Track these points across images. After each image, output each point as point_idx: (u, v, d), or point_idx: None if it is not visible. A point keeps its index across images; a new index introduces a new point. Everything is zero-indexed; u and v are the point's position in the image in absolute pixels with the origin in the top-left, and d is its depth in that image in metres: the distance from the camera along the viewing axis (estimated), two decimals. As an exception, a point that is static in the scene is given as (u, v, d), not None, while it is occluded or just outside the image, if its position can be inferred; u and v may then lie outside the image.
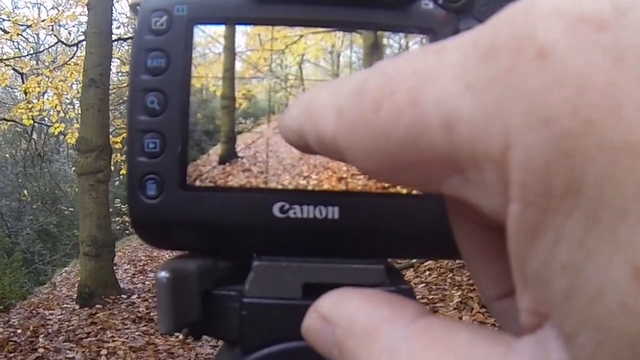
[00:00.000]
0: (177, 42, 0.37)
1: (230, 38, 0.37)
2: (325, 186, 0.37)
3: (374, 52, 0.38)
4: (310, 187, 0.37)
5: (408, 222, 0.37)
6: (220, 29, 0.37)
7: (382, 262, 0.37)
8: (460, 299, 4.65)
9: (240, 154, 0.37)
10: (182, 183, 0.37)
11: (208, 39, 0.37)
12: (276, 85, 0.38)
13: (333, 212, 0.36)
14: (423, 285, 5.34)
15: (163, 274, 0.34)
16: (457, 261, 5.26)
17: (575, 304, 0.15)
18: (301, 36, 0.38)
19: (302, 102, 0.23)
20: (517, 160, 0.16)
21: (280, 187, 0.37)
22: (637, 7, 0.15)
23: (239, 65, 0.38)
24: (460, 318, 4.25)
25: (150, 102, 0.37)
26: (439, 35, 0.37)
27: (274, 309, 0.36)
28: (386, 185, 0.37)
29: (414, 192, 0.37)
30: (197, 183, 0.37)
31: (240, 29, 0.37)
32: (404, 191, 0.37)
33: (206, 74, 0.38)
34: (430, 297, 4.96)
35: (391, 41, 0.38)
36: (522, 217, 0.16)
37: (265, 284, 0.36)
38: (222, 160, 0.37)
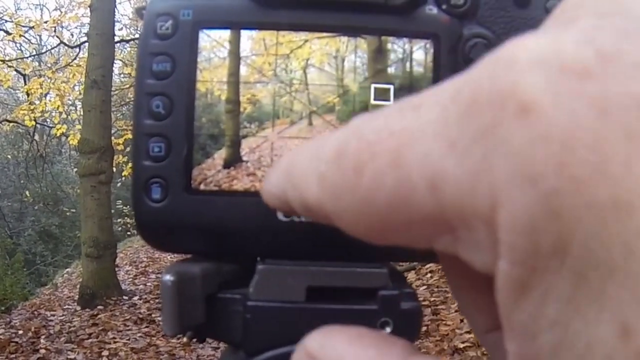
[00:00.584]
0: (183, 46, 0.37)
1: (235, 42, 0.37)
2: None
3: (378, 57, 0.38)
4: None
5: None
6: (226, 34, 0.37)
7: (386, 266, 0.37)
8: (461, 302, 4.63)
9: (244, 158, 0.38)
10: (187, 187, 0.37)
11: (213, 43, 0.37)
12: (281, 89, 0.38)
13: None
14: (425, 287, 5.33)
15: (168, 277, 0.34)
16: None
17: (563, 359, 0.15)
18: (306, 41, 0.38)
19: (281, 168, 0.23)
20: (504, 221, 0.16)
21: None
22: (622, 52, 0.15)
23: (243, 70, 0.38)
24: (462, 320, 4.24)
25: (155, 106, 0.37)
26: (442, 40, 0.37)
27: (278, 312, 0.36)
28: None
29: None
30: (202, 187, 0.37)
31: (245, 34, 0.37)
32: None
33: (211, 78, 0.38)
34: (432, 299, 4.96)
35: (395, 46, 0.38)
36: (510, 275, 0.16)
37: (270, 288, 0.36)
38: (227, 164, 0.37)
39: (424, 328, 4.11)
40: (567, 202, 0.15)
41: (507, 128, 0.15)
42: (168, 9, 0.37)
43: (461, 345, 3.87)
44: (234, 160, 0.38)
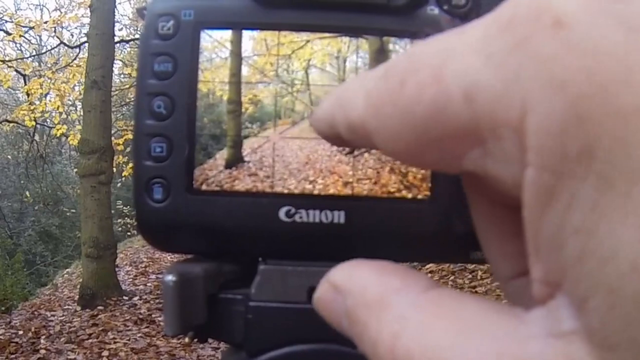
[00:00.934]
0: (184, 46, 0.37)
1: (237, 43, 0.37)
2: (331, 191, 0.37)
3: (380, 58, 0.38)
4: (316, 192, 0.37)
5: (413, 226, 0.37)
6: (227, 34, 0.37)
7: None
8: (461, 302, 4.63)
9: (246, 159, 0.38)
10: (189, 187, 0.37)
11: (215, 43, 0.37)
12: (282, 90, 0.38)
13: (339, 217, 0.37)
14: (425, 287, 5.32)
15: (169, 277, 0.34)
16: (459, 264, 5.26)
17: (587, 267, 0.16)
18: (307, 41, 0.38)
19: (333, 93, 0.24)
20: (533, 125, 0.16)
21: (286, 191, 0.37)
22: None
23: (245, 70, 0.38)
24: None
25: (157, 106, 0.37)
26: None
27: (279, 312, 0.36)
28: (391, 189, 0.37)
29: (419, 196, 0.37)
30: (204, 187, 0.37)
31: (247, 34, 0.38)
32: (410, 195, 0.37)
33: (213, 78, 0.38)
34: (432, 299, 4.94)
35: (397, 46, 0.38)
36: (537, 182, 0.16)
37: (271, 288, 0.36)
38: (229, 165, 0.38)
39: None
40: (594, 107, 0.15)
41: (541, 39, 0.16)
42: (169, 9, 0.37)
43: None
44: (235, 161, 0.38)
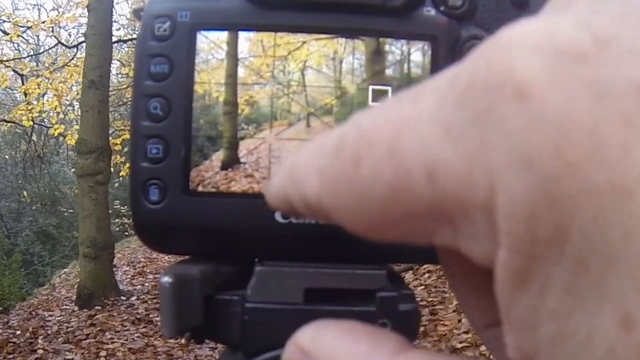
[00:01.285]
0: (180, 48, 0.37)
1: (233, 44, 0.37)
2: None
3: (376, 59, 0.38)
4: None
5: None
6: (223, 35, 0.37)
7: (384, 267, 0.37)
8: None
9: (242, 160, 0.38)
10: (185, 188, 0.37)
11: (211, 45, 0.37)
12: (278, 91, 0.38)
13: None
14: (422, 287, 5.34)
15: (166, 278, 0.34)
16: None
17: (563, 351, 0.15)
18: (304, 42, 0.38)
19: (284, 168, 0.23)
20: (502, 207, 0.15)
21: None
22: (619, 36, 0.15)
23: (241, 72, 0.38)
24: (460, 321, 4.24)
25: (153, 108, 0.37)
26: (440, 42, 0.37)
27: (276, 313, 0.36)
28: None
29: None
30: (200, 188, 0.37)
31: (243, 35, 0.37)
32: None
33: (209, 79, 0.38)
34: (430, 299, 4.96)
35: (393, 48, 0.38)
36: (509, 264, 0.16)
37: (268, 289, 0.36)
38: (225, 166, 0.37)
39: (422, 328, 4.11)
40: (564, 187, 0.14)
41: (503, 111, 0.15)
42: (166, 10, 0.37)
43: (459, 346, 3.87)
44: (231, 162, 0.38)
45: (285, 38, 0.37)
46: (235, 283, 0.37)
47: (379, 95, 0.37)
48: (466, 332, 4.00)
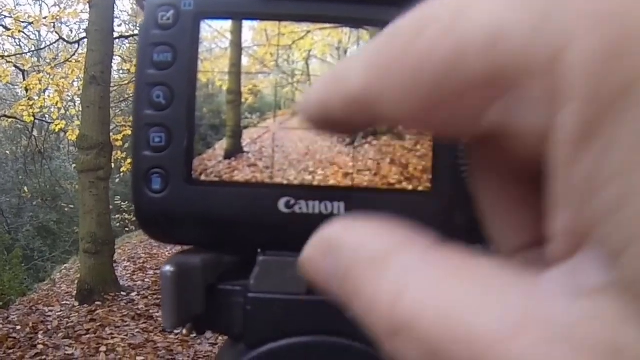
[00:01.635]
0: (184, 36, 0.37)
1: (237, 33, 0.37)
2: (331, 182, 0.37)
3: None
4: (316, 183, 0.37)
5: (413, 218, 0.37)
6: (227, 24, 0.37)
7: None
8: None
9: (246, 149, 0.37)
10: (188, 177, 0.37)
11: (215, 33, 0.37)
12: (282, 80, 0.38)
13: (339, 208, 0.36)
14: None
15: (168, 267, 0.34)
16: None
17: (625, 214, 0.14)
18: (308, 32, 0.38)
19: (325, 74, 0.22)
20: (571, 62, 0.15)
21: (285, 182, 0.37)
22: None
23: (245, 61, 0.38)
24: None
25: (156, 96, 0.36)
26: None
27: (279, 304, 0.36)
28: (392, 181, 0.36)
29: (420, 188, 0.36)
30: (203, 177, 0.37)
31: (247, 24, 0.37)
32: (410, 187, 0.36)
33: (212, 68, 0.37)
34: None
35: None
36: (573, 121, 0.15)
37: (271, 279, 0.36)
38: (228, 155, 0.37)
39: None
40: (638, 42, 0.14)
41: None
42: None
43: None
44: (235, 151, 0.37)
45: (289, 27, 0.37)
46: (237, 273, 0.37)
47: None
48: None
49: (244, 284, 0.36)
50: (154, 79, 0.37)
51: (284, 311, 0.36)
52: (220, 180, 0.37)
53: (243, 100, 0.38)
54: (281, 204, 0.36)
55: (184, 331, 0.46)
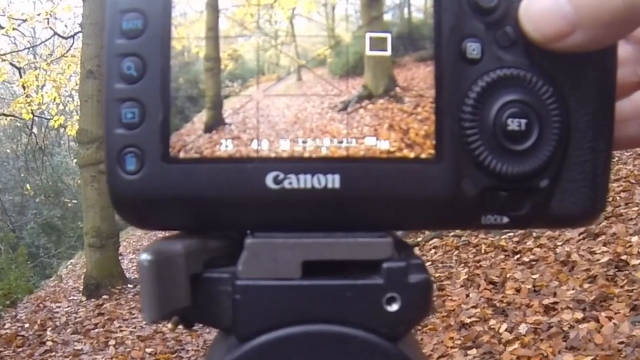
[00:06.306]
0: (154, 1, 0.34)
1: None
2: (324, 152, 0.34)
3: (373, 3, 0.35)
4: (307, 154, 0.34)
5: (416, 189, 0.34)
6: None
7: (389, 235, 0.34)
8: (467, 276, 4.65)
9: (227, 121, 0.34)
10: (165, 155, 0.34)
11: None
12: (265, 43, 0.35)
13: (333, 181, 0.34)
14: (429, 263, 5.34)
15: (144, 256, 0.30)
16: (463, 239, 5.26)
17: None
18: (291, -12, 0.34)
19: None
20: None
21: (273, 155, 0.34)
22: None
23: (223, 23, 0.35)
24: (467, 295, 4.24)
25: (126, 68, 0.34)
26: None
27: (270, 291, 0.33)
28: (391, 149, 0.33)
29: (423, 155, 0.34)
30: (182, 155, 0.34)
31: None
32: (412, 155, 0.34)
33: (187, 34, 0.35)
34: (437, 275, 4.96)
35: (392, -10, 0.34)
36: None
37: (260, 264, 0.34)
38: (208, 128, 0.34)
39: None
40: None
41: None
42: None
43: (468, 320, 3.86)
44: (215, 124, 0.34)
45: None
46: (225, 259, 0.35)
47: (377, 44, 0.34)
48: (474, 307, 4.00)
49: (231, 270, 0.34)
50: (124, 49, 0.34)
51: (277, 298, 0.33)
52: (200, 156, 0.34)
53: (222, 67, 0.35)
54: (269, 180, 0.34)
55: (169, 325, 0.44)
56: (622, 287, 3.54)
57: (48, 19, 11.77)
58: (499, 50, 0.34)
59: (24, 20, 11.65)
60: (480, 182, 0.34)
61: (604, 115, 0.35)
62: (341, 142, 0.34)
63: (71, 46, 11.59)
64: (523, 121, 0.33)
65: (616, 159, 5.52)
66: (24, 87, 11.47)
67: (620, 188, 5.04)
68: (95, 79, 6.87)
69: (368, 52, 0.34)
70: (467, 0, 0.34)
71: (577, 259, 4.07)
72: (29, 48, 13.74)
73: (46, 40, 13.57)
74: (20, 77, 11.75)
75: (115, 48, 0.34)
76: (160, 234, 0.36)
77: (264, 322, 0.33)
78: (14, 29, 11.64)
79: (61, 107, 12.73)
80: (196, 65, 0.35)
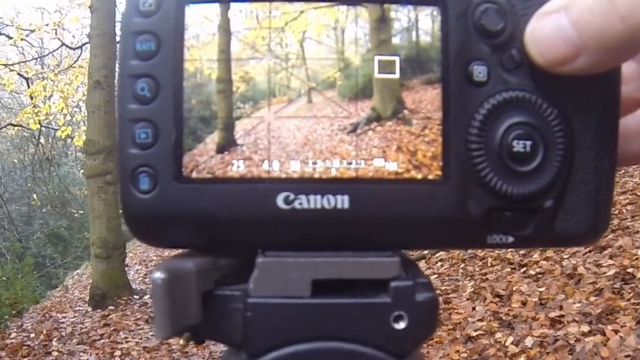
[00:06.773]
0: (168, 23, 0.35)
1: (224, 16, 0.35)
2: (334, 173, 0.34)
3: (381, 27, 0.35)
4: (317, 175, 0.34)
5: (423, 210, 0.34)
6: (214, 7, 0.35)
7: (397, 254, 0.35)
8: (473, 289, 4.63)
9: (239, 142, 0.35)
10: (178, 175, 0.34)
11: (201, 18, 0.35)
12: (276, 65, 0.35)
13: (342, 202, 0.34)
14: (435, 276, 5.32)
15: (158, 274, 0.31)
16: (469, 251, 5.24)
17: None
18: (302, 12, 0.35)
19: None
20: None
21: (284, 176, 0.34)
22: None
23: (235, 46, 0.35)
24: (474, 308, 4.22)
25: (140, 89, 0.35)
26: (450, 6, 0.35)
27: (281, 309, 0.34)
28: (399, 170, 0.34)
29: (430, 176, 0.34)
30: (194, 174, 0.34)
31: (235, 7, 0.35)
32: (419, 176, 0.34)
33: (200, 56, 0.35)
34: (443, 288, 4.94)
35: (399, 14, 0.35)
36: None
37: (271, 282, 0.34)
38: (220, 149, 0.35)
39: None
40: None
41: None
42: None
43: (474, 334, 3.85)
44: (227, 144, 0.35)
45: (281, 7, 0.35)
46: (236, 277, 0.35)
47: (385, 66, 0.35)
48: (480, 320, 3.98)
49: (242, 288, 0.34)
50: (137, 70, 0.35)
51: (287, 316, 0.34)
52: (212, 176, 0.35)
53: (234, 88, 0.36)
54: (280, 200, 0.34)
55: (181, 341, 0.44)
56: (628, 300, 3.53)
57: (56, 29, 11.81)
58: (504, 72, 0.34)
59: (32, 31, 11.69)
60: (486, 203, 0.35)
61: (608, 134, 0.36)
62: (350, 163, 0.34)
63: (79, 57, 11.61)
64: (528, 143, 0.34)
65: (622, 171, 5.51)
66: (31, 98, 11.49)
67: (627, 201, 5.03)
68: (103, 90, 6.88)
69: (377, 75, 0.35)
70: (473, 23, 0.35)
71: (583, 272, 4.06)
72: (36, 58, 13.77)
73: (54, 50, 13.60)
74: (28, 87, 11.76)
75: (129, 69, 0.35)
76: (171, 251, 0.37)
77: (274, 339, 0.34)
78: (22, 39, 11.67)
79: (68, 117, 12.75)
80: (208, 86, 0.36)
